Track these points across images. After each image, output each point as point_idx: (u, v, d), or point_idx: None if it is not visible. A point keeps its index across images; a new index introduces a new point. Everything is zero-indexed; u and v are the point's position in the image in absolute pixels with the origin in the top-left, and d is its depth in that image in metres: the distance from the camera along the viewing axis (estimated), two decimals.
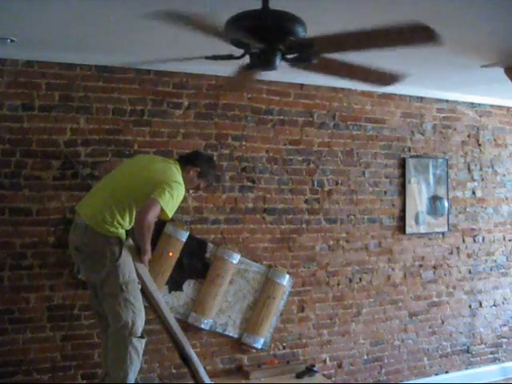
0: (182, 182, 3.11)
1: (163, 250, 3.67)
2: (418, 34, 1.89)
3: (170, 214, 3.01)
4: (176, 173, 3.14)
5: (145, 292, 3.14)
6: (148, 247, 3.07)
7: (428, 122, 4.68)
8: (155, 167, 3.17)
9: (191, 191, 3.68)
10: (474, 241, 4.91)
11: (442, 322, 4.77)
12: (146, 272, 3.16)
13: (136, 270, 3.09)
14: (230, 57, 2.27)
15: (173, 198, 2.99)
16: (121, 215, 3.01)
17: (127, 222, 3.06)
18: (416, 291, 4.64)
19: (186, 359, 3.19)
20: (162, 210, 2.95)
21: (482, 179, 4.96)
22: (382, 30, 1.88)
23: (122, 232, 3.03)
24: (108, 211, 2.98)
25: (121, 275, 2.97)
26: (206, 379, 3.19)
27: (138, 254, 3.09)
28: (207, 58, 2.33)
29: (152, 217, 2.94)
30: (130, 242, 3.14)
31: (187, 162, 3.27)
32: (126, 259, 3.01)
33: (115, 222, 2.99)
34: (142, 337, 3.05)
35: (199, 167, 3.28)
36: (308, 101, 4.19)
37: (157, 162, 3.25)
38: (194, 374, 3.19)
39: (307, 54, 2.15)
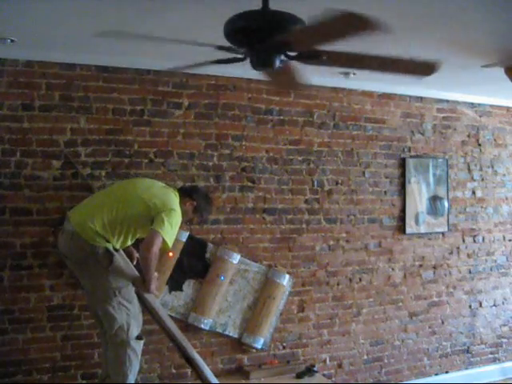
0: (179, 210, 3.13)
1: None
2: (422, 69, 1.93)
3: (170, 243, 3.04)
4: (174, 199, 3.17)
5: (155, 318, 3.19)
6: (153, 277, 3.09)
7: (428, 121, 4.68)
8: (155, 191, 3.18)
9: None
10: (474, 241, 4.91)
11: (442, 322, 4.77)
12: (156, 301, 3.20)
13: (144, 302, 3.13)
14: (234, 60, 2.26)
15: (172, 227, 3.02)
16: (111, 230, 3.02)
17: (115, 241, 3.06)
18: (416, 291, 4.64)
19: (190, 361, 3.22)
20: (163, 240, 2.98)
21: (482, 179, 4.96)
22: (390, 60, 1.91)
23: (108, 245, 3.03)
24: (99, 223, 2.99)
25: (112, 281, 2.99)
26: (212, 379, 3.21)
27: (143, 284, 3.10)
28: (212, 62, 2.33)
29: (156, 249, 2.98)
30: (122, 252, 3.16)
31: (185, 193, 3.30)
32: (118, 265, 3.02)
33: (102, 236, 2.99)
34: (139, 338, 3.07)
35: (196, 201, 3.32)
36: (308, 101, 4.19)
37: (157, 186, 3.27)
38: (200, 374, 3.21)
39: (313, 51, 2.15)
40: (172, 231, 3.03)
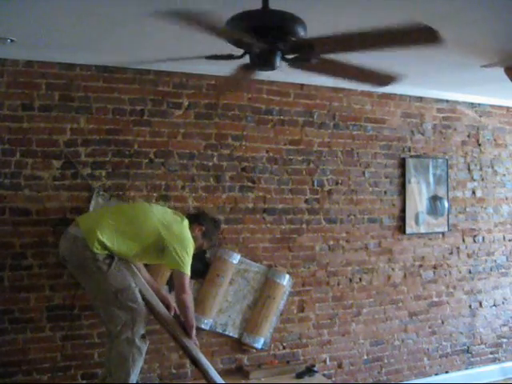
0: (190, 238, 3.18)
1: None
2: (420, 36, 1.90)
3: (189, 271, 3.15)
4: (186, 228, 3.20)
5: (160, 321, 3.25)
6: (194, 321, 3.20)
7: (428, 122, 4.68)
8: (167, 219, 3.19)
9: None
10: (474, 241, 4.91)
11: (442, 322, 4.77)
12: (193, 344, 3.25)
13: (183, 343, 3.19)
14: (230, 56, 2.27)
15: (189, 257, 3.12)
16: (118, 249, 3.04)
17: (119, 254, 3.07)
18: (416, 291, 4.64)
19: (195, 362, 3.23)
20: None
21: (482, 179, 4.96)
22: (385, 31, 1.88)
23: (106, 252, 3.04)
24: (109, 240, 3.01)
25: (113, 284, 3.00)
26: (218, 379, 3.22)
27: (183, 329, 3.19)
28: (207, 57, 2.33)
29: (188, 288, 3.13)
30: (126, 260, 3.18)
31: (194, 220, 3.32)
32: (117, 268, 3.03)
33: (108, 248, 3.00)
34: (144, 337, 3.07)
35: (204, 226, 3.34)
36: (308, 101, 4.19)
37: (168, 214, 3.28)
38: (205, 374, 3.22)
39: (307, 54, 2.15)
40: (189, 261, 3.12)
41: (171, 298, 3.34)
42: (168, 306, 3.28)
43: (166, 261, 3.14)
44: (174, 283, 3.18)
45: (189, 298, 3.15)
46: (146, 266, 3.40)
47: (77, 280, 3.27)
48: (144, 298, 3.13)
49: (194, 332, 3.19)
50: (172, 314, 3.27)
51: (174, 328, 3.21)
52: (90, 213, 3.36)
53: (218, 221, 3.58)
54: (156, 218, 3.16)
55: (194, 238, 3.23)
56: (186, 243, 3.12)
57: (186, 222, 3.23)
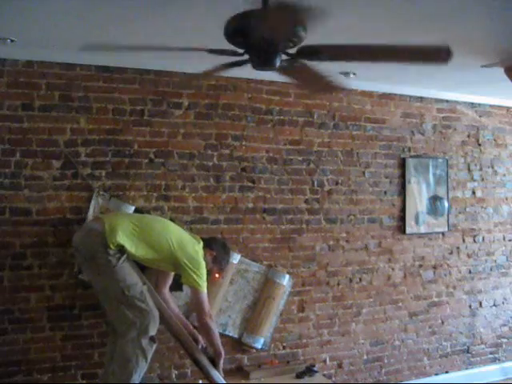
0: (203, 260, 3.23)
1: None
2: (435, 56, 1.93)
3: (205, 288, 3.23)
4: (200, 250, 3.26)
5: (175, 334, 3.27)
6: (221, 346, 3.28)
7: (428, 122, 4.68)
8: (184, 240, 3.24)
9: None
10: (474, 241, 4.91)
11: (442, 322, 4.77)
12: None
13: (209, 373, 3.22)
14: (232, 53, 2.27)
15: (203, 276, 3.18)
16: (136, 255, 3.07)
17: (135, 255, 3.11)
18: (416, 291, 4.64)
19: (197, 363, 3.25)
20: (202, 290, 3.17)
21: (482, 179, 4.96)
22: (401, 48, 1.90)
23: (118, 248, 3.05)
24: (128, 244, 3.03)
25: (121, 279, 3.00)
26: (219, 379, 3.23)
27: (212, 361, 3.26)
28: (210, 51, 2.33)
29: (209, 310, 3.23)
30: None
31: (205, 244, 3.35)
32: (125, 264, 3.04)
33: (121, 246, 3.02)
34: (152, 340, 3.07)
35: (215, 251, 3.38)
36: (308, 101, 4.19)
37: (185, 235, 3.33)
38: (207, 375, 3.24)
39: (307, 58, 2.16)
40: (204, 280, 3.18)
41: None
42: (196, 340, 3.33)
43: (183, 278, 3.19)
44: (193, 305, 3.24)
45: (211, 320, 3.21)
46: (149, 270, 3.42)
47: (85, 274, 3.28)
48: (165, 322, 3.18)
49: (221, 362, 3.25)
50: (199, 347, 3.33)
51: (197, 354, 3.25)
52: (114, 213, 3.43)
53: (227, 246, 3.61)
54: (171, 235, 3.20)
55: (205, 262, 3.27)
56: (200, 263, 3.17)
57: (201, 245, 3.29)
